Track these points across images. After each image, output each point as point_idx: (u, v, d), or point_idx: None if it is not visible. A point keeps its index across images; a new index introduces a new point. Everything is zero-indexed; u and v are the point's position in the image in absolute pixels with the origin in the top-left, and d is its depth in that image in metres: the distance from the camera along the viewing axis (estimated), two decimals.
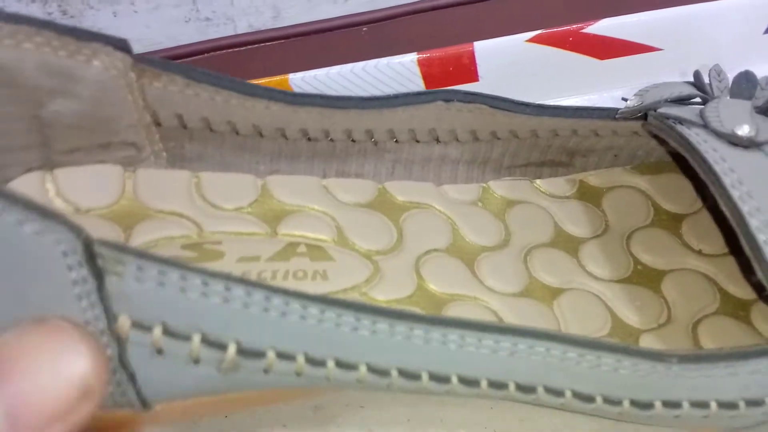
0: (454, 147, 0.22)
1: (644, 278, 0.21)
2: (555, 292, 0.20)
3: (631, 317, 0.20)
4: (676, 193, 0.23)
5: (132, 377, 0.13)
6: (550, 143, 0.23)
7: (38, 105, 0.16)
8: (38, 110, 0.16)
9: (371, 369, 0.14)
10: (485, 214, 0.22)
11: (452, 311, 0.19)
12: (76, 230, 0.11)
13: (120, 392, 0.13)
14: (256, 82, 0.25)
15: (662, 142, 0.23)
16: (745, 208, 0.16)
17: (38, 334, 0.11)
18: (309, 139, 0.20)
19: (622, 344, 0.15)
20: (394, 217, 0.21)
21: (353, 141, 0.21)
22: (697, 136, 0.18)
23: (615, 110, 0.21)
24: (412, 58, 0.25)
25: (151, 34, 0.30)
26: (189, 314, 0.12)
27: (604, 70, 0.26)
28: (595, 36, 0.26)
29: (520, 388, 0.15)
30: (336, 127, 0.20)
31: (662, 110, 0.19)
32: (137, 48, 0.29)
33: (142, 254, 0.12)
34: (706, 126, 0.18)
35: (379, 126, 0.20)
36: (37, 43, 0.14)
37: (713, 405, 0.16)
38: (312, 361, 0.13)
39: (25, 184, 0.17)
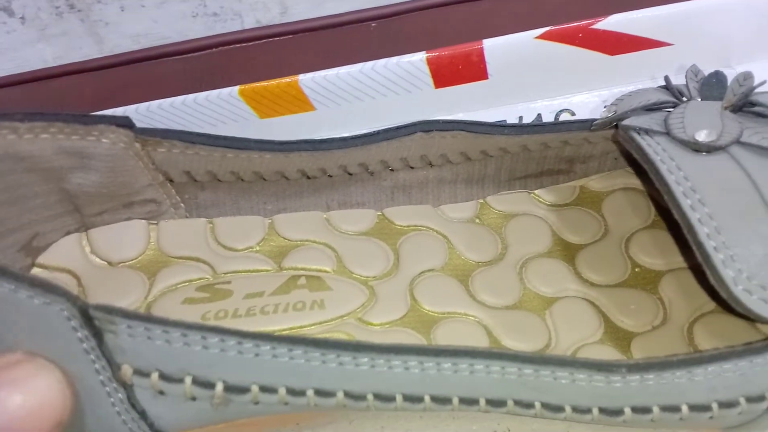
0: (448, 169, 0.23)
1: (641, 280, 0.22)
2: (548, 302, 0.21)
3: (625, 321, 0.21)
4: None
5: (143, 414, 0.16)
6: (544, 154, 0.24)
7: (62, 180, 0.19)
8: (63, 184, 0.19)
9: (348, 395, 0.16)
10: (481, 229, 0.23)
11: (442, 329, 0.20)
12: (72, 299, 0.14)
13: (137, 427, 0.16)
14: (266, 82, 0.26)
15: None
16: (695, 216, 0.16)
17: None
18: (308, 177, 0.22)
19: (569, 358, 0.16)
20: (392, 242, 0.23)
21: (350, 174, 0.23)
22: (657, 146, 0.18)
23: (591, 122, 0.22)
24: (421, 57, 0.25)
25: (158, 28, 0.30)
26: (177, 361, 0.15)
27: (614, 65, 0.26)
28: (604, 32, 0.26)
29: (490, 402, 0.16)
30: (330, 164, 0.22)
31: (627, 121, 0.20)
32: (144, 42, 0.30)
33: (127, 314, 0.14)
34: (668, 133, 0.18)
35: (370, 158, 0.22)
36: (52, 132, 0.17)
37: (684, 408, 0.16)
38: (293, 392, 0.15)
39: (65, 246, 0.21)
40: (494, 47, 0.26)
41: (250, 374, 0.15)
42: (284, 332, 0.20)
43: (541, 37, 0.25)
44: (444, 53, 0.26)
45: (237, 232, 0.22)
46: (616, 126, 0.21)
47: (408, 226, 0.23)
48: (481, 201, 0.24)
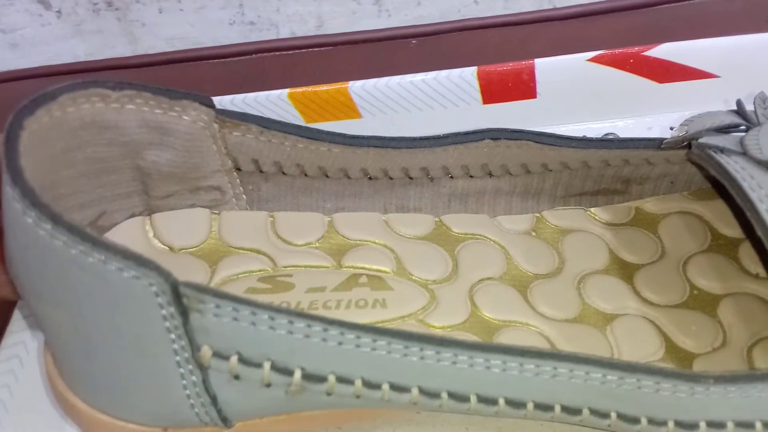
0: (507, 180, 0.23)
1: (700, 303, 0.22)
2: (608, 318, 0.21)
3: (686, 342, 0.21)
4: (733, 218, 0.24)
5: (214, 399, 0.15)
6: (602, 173, 0.24)
7: (138, 156, 0.19)
8: (139, 161, 0.19)
9: (423, 392, 0.15)
10: (539, 242, 0.23)
11: (504, 337, 0.20)
12: (164, 275, 0.14)
13: (204, 412, 0.16)
14: (317, 87, 0.26)
15: (702, 169, 0.23)
16: None
17: None
18: (370, 178, 0.22)
19: (658, 367, 0.16)
20: (450, 248, 0.23)
21: (410, 178, 0.23)
22: (735, 164, 0.18)
23: (660, 140, 0.22)
24: (472, 71, 0.26)
25: (194, 33, 0.30)
26: (260, 344, 0.15)
27: (661, 93, 0.27)
28: (655, 59, 0.26)
29: (566, 410, 0.16)
30: (393, 165, 0.22)
31: (703, 140, 0.20)
32: (179, 45, 0.30)
33: (219, 293, 0.14)
34: (745, 153, 0.18)
35: (433, 163, 0.22)
36: (138, 103, 0.17)
37: (758, 425, 0.16)
38: (369, 385, 0.15)
39: (129, 228, 0.21)
40: (546, 66, 0.26)
41: (330, 363, 0.15)
42: None
43: (593, 60, 0.26)
44: (495, 69, 0.26)
45: (297, 227, 0.22)
46: (686, 146, 0.21)
47: (465, 234, 0.23)
48: (537, 215, 0.24)
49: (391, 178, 0.23)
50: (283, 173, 0.21)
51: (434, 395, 0.16)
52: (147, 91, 0.17)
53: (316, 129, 0.20)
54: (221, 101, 0.26)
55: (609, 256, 0.23)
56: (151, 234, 0.21)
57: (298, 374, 0.15)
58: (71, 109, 0.16)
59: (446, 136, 0.21)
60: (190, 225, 0.21)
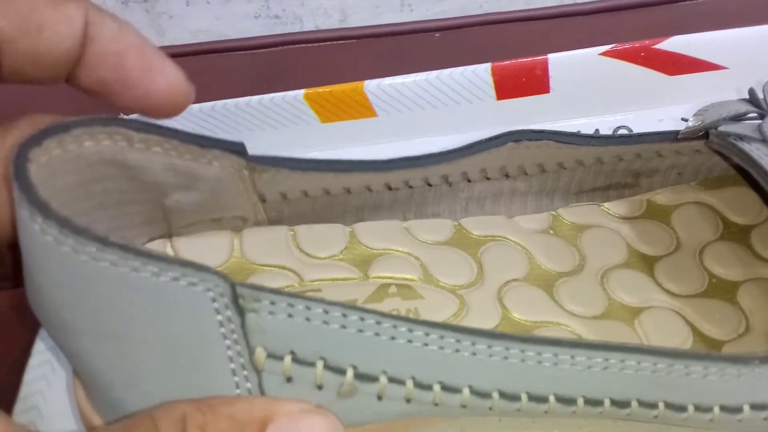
0: (523, 180, 0.24)
1: (720, 291, 0.22)
2: (635, 312, 0.21)
3: (712, 330, 0.21)
4: (742, 205, 0.24)
5: None
6: (614, 168, 0.24)
7: (163, 195, 0.18)
8: (162, 199, 0.18)
9: (474, 391, 0.15)
10: (557, 240, 0.23)
11: None
12: (223, 276, 0.14)
13: None
14: (331, 87, 0.26)
15: (725, 158, 0.24)
16: None
17: None
18: (390, 189, 0.22)
19: (704, 352, 0.16)
20: (473, 252, 0.23)
21: (430, 185, 0.23)
22: (757, 151, 0.19)
23: (676, 132, 0.22)
24: (486, 67, 0.26)
25: (220, 26, 0.30)
26: (313, 342, 0.14)
27: (672, 85, 0.27)
28: (665, 52, 0.26)
29: (615, 403, 0.16)
30: (415, 176, 0.22)
31: (722, 128, 0.20)
32: (204, 38, 0.30)
33: (274, 291, 0.14)
34: (765, 140, 0.19)
35: (454, 171, 0.22)
36: (166, 148, 0.17)
37: None
38: (420, 386, 0.15)
39: None
40: (559, 61, 0.26)
41: (382, 361, 0.15)
42: None
43: (606, 54, 0.26)
44: (509, 65, 0.26)
45: (318, 240, 0.22)
46: (701, 136, 0.22)
47: (486, 237, 0.23)
48: (553, 213, 0.24)
49: (411, 187, 0.22)
50: (308, 196, 0.21)
51: (485, 395, 0.16)
52: (176, 138, 0.17)
53: (348, 162, 0.20)
54: (238, 103, 0.26)
55: (627, 249, 0.23)
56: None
57: (350, 373, 0.15)
58: (89, 143, 0.16)
59: (471, 146, 0.21)
60: (212, 245, 0.21)
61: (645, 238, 0.24)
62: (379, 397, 0.15)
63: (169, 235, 0.20)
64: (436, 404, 0.15)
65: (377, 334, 0.14)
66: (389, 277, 0.21)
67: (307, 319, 0.14)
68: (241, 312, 0.14)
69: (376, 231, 0.22)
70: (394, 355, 0.15)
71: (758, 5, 0.30)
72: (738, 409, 0.16)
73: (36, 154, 0.14)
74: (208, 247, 0.20)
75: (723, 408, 0.16)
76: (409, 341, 0.14)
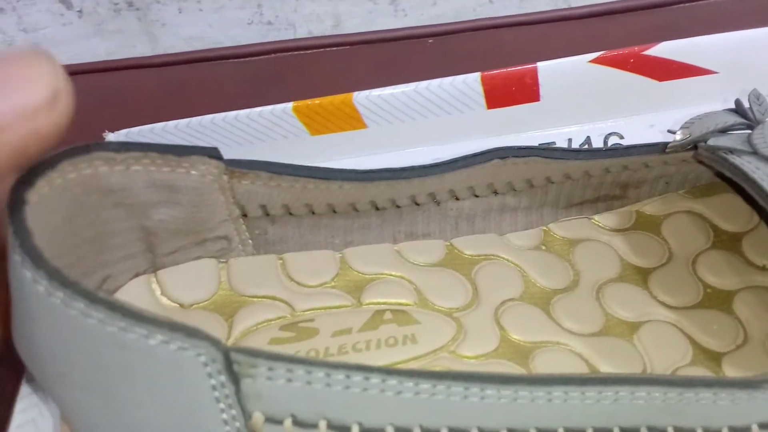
0: (512, 196, 0.23)
1: (715, 301, 0.22)
2: (633, 327, 0.21)
3: (710, 342, 0.21)
4: (732, 213, 0.24)
5: None
6: (602, 180, 0.24)
7: (145, 216, 0.18)
8: (145, 221, 0.18)
9: (482, 431, 0.15)
10: (550, 257, 0.23)
11: (539, 359, 0.20)
12: (215, 343, 0.13)
13: None
14: (320, 99, 0.26)
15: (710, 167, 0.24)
16: None
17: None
18: (377, 209, 0.22)
19: (715, 379, 0.16)
20: (466, 272, 0.22)
21: (417, 204, 0.22)
22: (749, 164, 0.18)
23: (664, 144, 0.22)
24: (476, 77, 0.26)
25: (212, 33, 0.30)
26: (315, 404, 0.14)
27: (662, 91, 0.27)
28: (655, 58, 0.26)
29: (624, 431, 0.16)
30: (401, 194, 0.21)
31: (711, 142, 0.20)
32: (198, 45, 0.30)
33: (271, 356, 0.13)
34: (755, 152, 0.19)
35: (440, 188, 0.22)
36: (144, 164, 0.16)
37: None
38: (427, 431, 0.15)
39: (134, 288, 0.19)
40: (548, 69, 0.26)
41: (388, 414, 0.14)
42: None
43: (595, 61, 0.26)
44: (498, 74, 0.26)
45: (309, 267, 0.21)
46: (690, 148, 0.22)
47: (478, 256, 0.23)
48: (545, 228, 0.24)
49: (398, 207, 0.22)
50: (291, 214, 0.20)
51: None
52: (153, 150, 0.16)
53: (327, 169, 0.19)
54: (226, 117, 0.26)
55: (620, 262, 0.23)
56: (158, 292, 0.19)
57: (355, 429, 0.14)
58: (72, 175, 0.15)
59: (455, 161, 0.21)
60: (198, 278, 0.20)
61: (637, 250, 0.24)
62: None
63: (153, 269, 0.20)
64: None
65: (383, 391, 0.14)
66: (383, 303, 0.21)
67: (308, 383, 0.13)
68: (235, 379, 0.13)
69: (367, 255, 0.22)
70: (400, 407, 0.14)
71: (748, 9, 0.30)
72: (746, 429, 0.16)
73: (30, 195, 0.14)
74: (194, 280, 0.20)
75: (732, 429, 0.16)
76: (416, 393, 0.14)
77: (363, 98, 0.26)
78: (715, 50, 0.26)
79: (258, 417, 0.14)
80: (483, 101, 0.26)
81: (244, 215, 0.20)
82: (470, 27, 0.30)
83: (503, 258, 0.23)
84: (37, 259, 0.12)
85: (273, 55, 0.30)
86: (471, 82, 0.26)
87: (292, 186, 0.19)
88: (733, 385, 0.15)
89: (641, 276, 0.23)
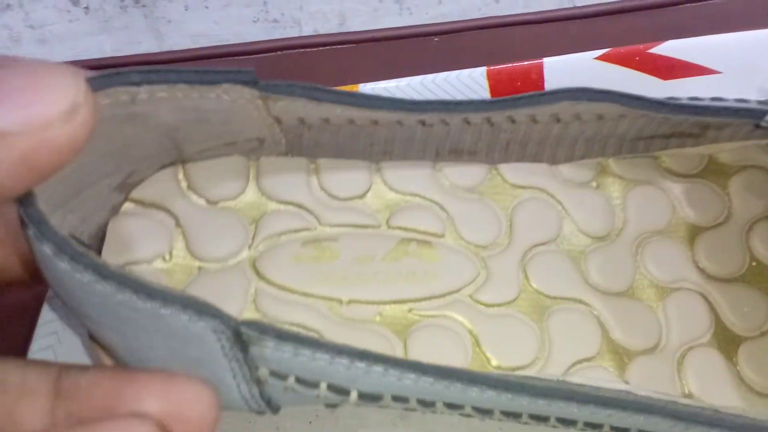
0: (576, 126, 0.21)
1: (757, 277, 0.21)
2: (661, 293, 0.21)
3: (735, 323, 0.20)
4: None
5: (269, 402, 0.15)
6: (682, 120, 0.21)
7: (171, 129, 0.17)
8: (172, 133, 0.17)
9: (474, 407, 0.16)
10: (598, 198, 0.22)
11: (554, 318, 0.19)
12: (226, 321, 0.13)
13: (256, 406, 0.16)
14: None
15: None
16: None
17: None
18: (424, 125, 0.20)
19: (715, 417, 0.15)
20: (504, 204, 0.21)
21: (469, 123, 0.20)
22: None
23: (762, 113, 0.19)
24: (481, 71, 0.26)
25: (218, 30, 0.31)
26: (318, 372, 0.14)
27: (665, 89, 0.27)
28: (660, 56, 0.26)
29: (615, 429, 0.16)
30: (454, 117, 0.20)
31: None
32: (203, 42, 0.30)
33: (279, 333, 0.13)
34: None
35: (497, 115, 0.20)
36: (171, 92, 0.15)
37: None
38: (423, 403, 0.15)
39: (161, 180, 0.19)
40: (554, 65, 0.26)
41: (388, 389, 0.15)
42: (394, 303, 0.19)
43: (600, 58, 0.26)
44: (504, 69, 0.26)
45: (342, 176, 0.20)
46: None
47: (522, 186, 0.21)
48: (602, 162, 0.22)
49: (447, 124, 0.20)
50: (329, 123, 0.19)
51: (486, 412, 0.16)
52: (182, 81, 0.14)
53: (374, 96, 0.17)
54: None
55: (672, 214, 0.22)
56: (184, 185, 0.19)
57: (354, 395, 0.15)
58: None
59: (518, 98, 0.18)
60: (227, 173, 0.19)
61: (695, 202, 0.22)
62: (384, 407, 0.15)
63: (181, 161, 0.19)
64: (441, 414, 0.16)
65: (384, 376, 0.14)
66: (412, 230, 0.20)
67: (313, 359, 0.13)
68: (244, 347, 0.13)
69: (404, 172, 0.21)
70: (401, 388, 0.15)
71: (754, 9, 0.30)
72: None
73: None
74: (223, 175, 0.19)
75: None
76: (415, 381, 0.14)
77: (369, 90, 0.26)
78: (719, 50, 0.26)
79: (264, 371, 0.14)
80: (488, 95, 0.26)
81: (279, 122, 0.19)
82: (476, 26, 0.30)
83: (547, 192, 0.21)
84: (43, 226, 0.12)
85: (279, 52, 0.30)
86: (476, 76, 0.26)
87: (333, 108, 0.18)
88: (729, 427, 0.15)
89: (689, 234, 0.22)
